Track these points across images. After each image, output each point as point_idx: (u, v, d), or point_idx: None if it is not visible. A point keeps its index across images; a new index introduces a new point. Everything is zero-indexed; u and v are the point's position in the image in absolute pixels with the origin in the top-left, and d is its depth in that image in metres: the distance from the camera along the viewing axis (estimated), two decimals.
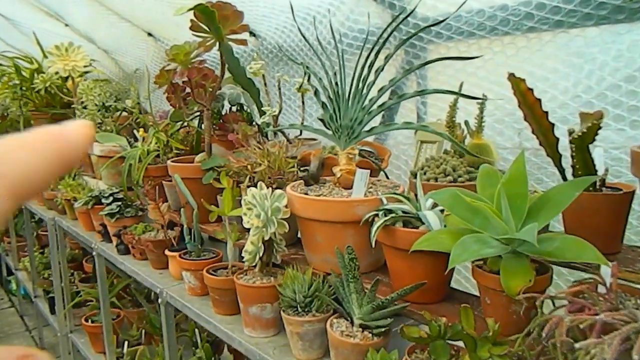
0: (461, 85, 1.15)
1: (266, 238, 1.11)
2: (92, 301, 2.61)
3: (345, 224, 1.06)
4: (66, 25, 2.77)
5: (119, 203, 1.86)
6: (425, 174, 1.13)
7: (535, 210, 0.78)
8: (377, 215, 1.00)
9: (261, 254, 1.14)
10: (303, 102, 1.56)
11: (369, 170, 1.06)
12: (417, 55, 1.34)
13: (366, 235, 1.05)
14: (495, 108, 1.20)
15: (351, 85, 1.14)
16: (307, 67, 1.25)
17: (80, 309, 2.69)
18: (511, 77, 0.80)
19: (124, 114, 2.61)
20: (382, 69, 1.06)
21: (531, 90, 0.81)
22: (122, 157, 1.97)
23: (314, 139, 1.65)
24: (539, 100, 0.82)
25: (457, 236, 0.81)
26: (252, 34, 1.91)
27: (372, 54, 1.07)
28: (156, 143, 1.94)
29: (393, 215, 0.93)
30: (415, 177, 1.14)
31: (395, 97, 1.00)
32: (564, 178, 0.91)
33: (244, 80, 1.62)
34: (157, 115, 2.27)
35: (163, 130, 1.97)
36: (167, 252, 1.54)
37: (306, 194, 1.10)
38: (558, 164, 0.89)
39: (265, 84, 1.62)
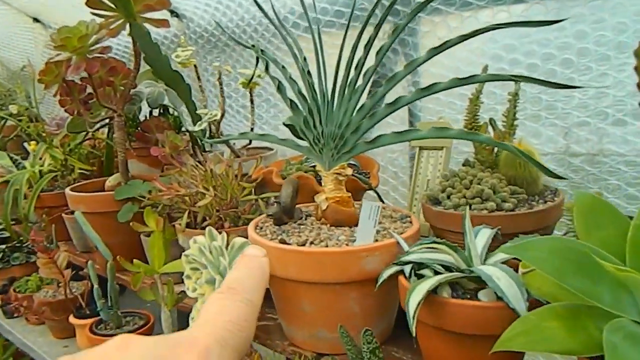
0: (485, 69, 0.83)
1: None
2: None
3: (347, 285, 0.70)
4: None
5: (3, 247, 1.37)
6: (449, 198, 0.79)
7: None
8: (401, 272, 0.65)
9: None
10: (252, 102, 1.18)
11: (380, 205, 0.70)
12: (414, 30, 1.00)
13: (374, 296, 0.71)
14: (526, 101, 0.88)
15: (336, 75, 0.77)
16: (262, 52, 0.87)
17: None
18: None
19: (10, 123, 2.07)
20: (389, 47, 0.71)
21: None
22: (7, 181, 1.48)
23: (269, 149, 1.26)
24: None
25: (575, 323, 0.48)
26: (173, 13, 1.48)
27: (369, 28, 0.71)
28: (51, 162, 1.47)
29: (438, 277, 0.58)
30: (438, 204, 0.80)
31: (417, 90, 0.65)
32: None
33: (167, 73, 1.20)
34: (53, 124, 1.77)
35: (60, 144, 1.50)
36: (72, 319, 1.09)
37: (283, 241, 0.73)
38: None
39: (198, 78, 1.21)
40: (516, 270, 0.59)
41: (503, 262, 0.63)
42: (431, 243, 0.63)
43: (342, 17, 1.09)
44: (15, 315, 1.28)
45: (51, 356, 1.09)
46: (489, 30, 0.58)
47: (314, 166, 1.00)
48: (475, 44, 0.92)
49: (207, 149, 1.31)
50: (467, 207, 0.66)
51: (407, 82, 1.05)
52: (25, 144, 1.74)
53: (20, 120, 1.85)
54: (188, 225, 0.91)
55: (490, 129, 0.86)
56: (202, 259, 0.71)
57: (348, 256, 0.68)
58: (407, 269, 0.64)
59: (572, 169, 0.84)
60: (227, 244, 0.75)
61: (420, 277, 0.64)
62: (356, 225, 0.79)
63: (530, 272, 0.57)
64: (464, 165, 0.87)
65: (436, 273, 0.63)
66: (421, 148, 0.99)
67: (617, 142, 0.80)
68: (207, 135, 1.31)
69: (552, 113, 0.87)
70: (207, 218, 0.90)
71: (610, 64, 0.80)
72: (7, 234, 1.47)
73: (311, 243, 0.72)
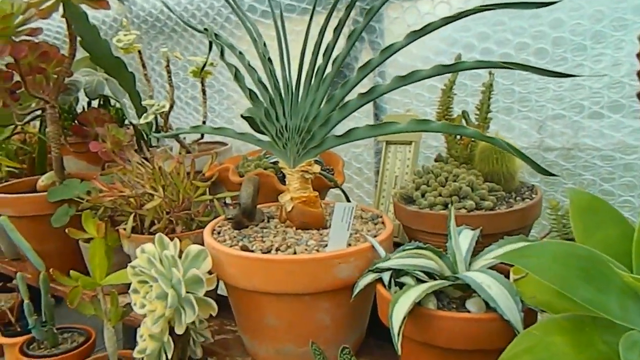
0: (459, 57, 0.78)
1: (179, 332, 0.63)
2: None
3: (317, 295, 0.63)
4: None
5: None
6: (423, 196, 0.74)
7: None
8: (380, 280, 0.59)
9: (169, 354, 0.66)
10: (204, 92, 1.08)
11: (355, 205, 0.64)
12: (381, 16, 0.94)
13: (347, 306, 0.64)
14: (498, 92, 0.84)
15: (301, 61, 0.70)
16: (216, 36, 0.78)
17: None
18: None
19: None
20: (362, 30, 0.64)
21: None
22: None
23: (223, 144, 1.17)
24: None
25: (581, 337, 0.44)
26: None
27: (340, 10, 0.64)
28: None
29: (424, 286, 0.52)
30: (411, 202, 0.75)
31: (396, 78, 0.59)
32: None
33: (108, 60, 1.09)
34: None
35: None
36: None
37: (245, 248, 0.65)
38: None
39: (143, 66, 1.10)
40: (506, 276, 0.54)
41: (490, 267, 0.57)
42: (415, 249, 0.57)
43: (304, 1, 1.01)
44: None
45: None
46: (476, 12, 0.52)
47: (275, 162, 0.92)
48: (446, 31, 0.87)
49: (153, 144, 1.20)
50: (452, 207, 0.61)
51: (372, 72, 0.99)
52: None
53: None
54: (134, 230, 0.81)
55: (463, 121, 0.82)
56: (152, 271, 0.62)
57: (319, 264, 0.61)
58: (386, 276, 0.58)
59: (547, 164, 0.81)
60: (181, 252, 0.66)
61: (400, 285, 0.58)
62: (324, 227, 0.72)
63: (523, 278, 0.52)
64: (436, 160, 0.82)
65: (418, 280, 0.57)
66: (388, 143, 0.93)
67: (593, 136, 0.77)
68: (154, 129, 1.20)
69: (526, 106, 0.83)
70: (156, 222, 0.81)
71: (586, 55, 0.77)
72: None
73: (277, 249, 0.64)
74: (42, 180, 1.07)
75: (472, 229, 0.64)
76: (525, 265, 0.46)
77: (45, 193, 0.99)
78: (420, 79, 0.57)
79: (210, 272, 0.65)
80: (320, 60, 0.68)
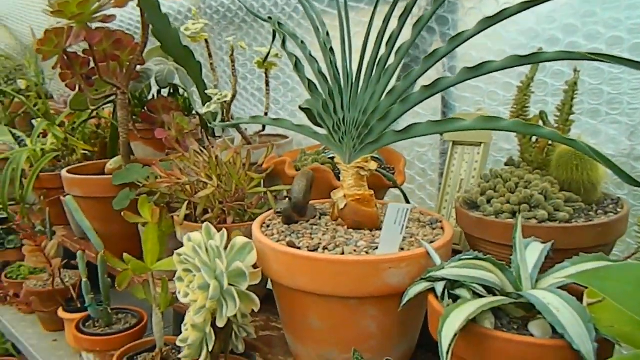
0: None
1: (220, 325, 0.61)
2: None
3: (364, 300, 0.59)
4: None
5: None
6: (489, 202, 0.67)
7: None
8: (432, 290, 0.53)
9: (211, 346, 0.64)
10: (267, 83, 1.06)
11: (410, 207, 0.59)
12: (454, 6, 0.87)
13: (396, 314, 0.59)
14: (584, 93, 0.76)
15: (363, 51, 0.66)
16: (280, 25, 0.75)
17: None
18: None
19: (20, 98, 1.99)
20: (430, 18, 0.58)
21: None
22: (6, 158, 1.40)
23: (283, 136, 1.15)
24: None
25: None
26: None
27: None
28: (54, 141, 1.38)
29: (481, 302, 0.47)
30: (475, 208, 0.69)
31: (464, 69, 0.53)
32: None
33: (177, 50, 1.10)
34: (61, 101, 1.69)
35: (66, 122, 1.42)
36: (60, 312, 1.01)
37: (292, 244, 0.62)
38: None
39: (210, 56, 1.10)
40: (579, 299, 0.47)
41: (560, 287, 0.51)
42: (472, 259, 0.51)
43: None
44: (5, 300, 1.20)
45: (38, 350, 1.01)
46: None
47: (333, 157, 0.89)
48: (527, 23, 0.79)
49: (217, 134, 1.21)
50: (519, 216, 0.54)
51: (442, 66, 0.93)
52: (34, 121, 1.66)
53: (28, 97, 1.77)
54: (188, 218, 0.81)
55: (540, 123, 0.74)
56: (196, 260, 0.61)
57: (368, 267, 0.57)
58: (440, 287, 0.53)
59: (637, 175, 0.72)
60: (228, 243, 0.64)
61: (455, 298, 0.52)
62: (378, 229, 0.68)
63: (599, 303, 0.45)
64: (507, 164, 0.75)
65: (475, 294, 0.51)
66: (455, 143, 0.87)
67: None
68: (219, 118, 1.21)
69: (616, 108, 0.74)
70: (210, 210, 0.80)
71: None
72: (5, 215, 1.39)
73: (324, 248, 0.61)
74: (110, 164, 1.11)
75: (542, 242, 0.58)
76: (603, 289, 0.39)
77: (110, 176, 1.02)
78: (492, 71, 0.51)
79: (255, 266, 0.63)
80: (382, 49, 0.63)
